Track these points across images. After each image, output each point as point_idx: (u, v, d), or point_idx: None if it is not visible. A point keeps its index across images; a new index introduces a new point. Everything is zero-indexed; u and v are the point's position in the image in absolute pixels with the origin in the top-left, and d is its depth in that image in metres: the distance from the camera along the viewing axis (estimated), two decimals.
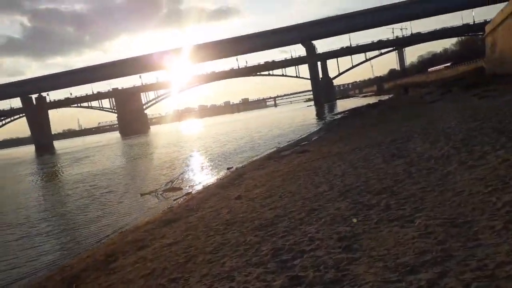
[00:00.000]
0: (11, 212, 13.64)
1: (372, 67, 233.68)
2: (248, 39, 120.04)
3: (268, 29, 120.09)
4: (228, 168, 14.26)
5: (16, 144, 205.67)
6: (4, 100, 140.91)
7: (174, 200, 10.31)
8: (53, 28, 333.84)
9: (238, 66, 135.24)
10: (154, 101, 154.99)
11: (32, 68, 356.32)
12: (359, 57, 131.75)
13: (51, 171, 30.16)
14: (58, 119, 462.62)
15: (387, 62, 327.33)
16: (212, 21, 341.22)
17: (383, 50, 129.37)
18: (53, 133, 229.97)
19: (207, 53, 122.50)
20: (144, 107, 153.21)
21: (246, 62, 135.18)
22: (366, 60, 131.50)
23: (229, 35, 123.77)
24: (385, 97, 60.61)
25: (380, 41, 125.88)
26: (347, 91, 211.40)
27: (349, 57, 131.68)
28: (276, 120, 57.22)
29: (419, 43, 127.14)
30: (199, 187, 11.54)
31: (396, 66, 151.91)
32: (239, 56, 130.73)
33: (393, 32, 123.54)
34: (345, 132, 16.84)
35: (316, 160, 9.24)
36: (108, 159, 31.37)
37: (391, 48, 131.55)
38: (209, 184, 11.52)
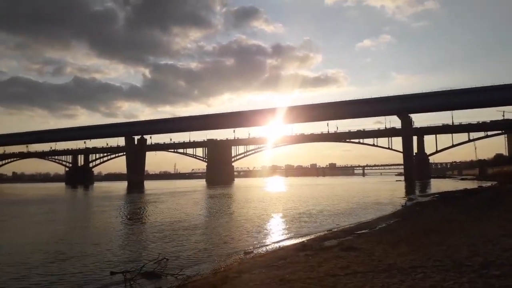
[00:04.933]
0: None
1: (475, 148, 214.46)
2: (343, 105, 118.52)
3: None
4: (245, 253, 11.63)
5: (115, 179, 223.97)
6: (115, 138, 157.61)
7: None
8: (168, 81, 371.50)
9: (328, 131, 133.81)
10: (242, 155, 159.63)
11: (144, 113, 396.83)
12: (461, 136, 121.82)
13: (111, 211, 30.23)
14: (159, 160, 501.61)
15: (493, 146, 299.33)
16: (310, 87, 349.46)
17: (489, 132, 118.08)
18: (150, 173, 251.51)
19: (300, 115, 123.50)
20: (233, 159, 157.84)
21: (337, 127, 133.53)
22: (469, 141, 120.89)
23: (324, 101, 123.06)
24: (487, 183, 53.53)
25: (486, 123, 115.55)
26: (444, 171, 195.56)
27: (449, 135, 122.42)
28: (357, 191, 53.81)
29: None
30: (178, 281, 8.87)
31: (504, 151, 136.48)
32: (330, 122, 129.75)
33: (503, 115, 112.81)
34: (421, 226, 13.69)
35: (352, 275, 6.82)
36: (172, 209, 30.74)
37: (500, 131, 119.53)
38: (193, 278, 8.78)
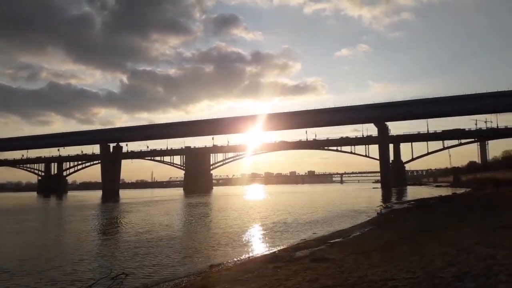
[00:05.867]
0: None
1: (450, 156, 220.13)
2: (321, 113, 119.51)
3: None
4: (211, 266, 10.96)
5: (91, 188, 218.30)
6: (90, 146, 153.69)
7: None
8: (147, 87, 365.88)
9: (307, 139, 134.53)
10: (221, 163, 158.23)
11: (122, 119, 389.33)
12: (436, 144, 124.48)
13: (78, 221, 29.19)
14: (136, 168, 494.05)
15: (467, 153, 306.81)
16: (289, 95, 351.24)
17: (463, 140, 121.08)
18: (127, 181, 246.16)
19: (279, 123, 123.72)
20: (211, 167, 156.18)
21: (315, 135, 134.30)
22: (444, 148, 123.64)
23: (303, 109, 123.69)
24: (461, 190, 54.44)
25: (460, 131, 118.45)
26: (419, 178, 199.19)
27: (425, 142, 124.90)
28: (335, 199, 53.95)
29: (506, 137, 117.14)
30: None
31: (477, 159, 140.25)
32: (309, 129, 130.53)
33: (476, 124, 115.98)
34: (395, 234, 13.38)
35: None
36: (142, 219, 29.54)
37: (473, 139, 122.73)
38: None
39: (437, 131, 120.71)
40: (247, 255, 12.51)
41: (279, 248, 13.16)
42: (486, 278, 5.84)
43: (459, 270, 6.54)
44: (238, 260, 11.53)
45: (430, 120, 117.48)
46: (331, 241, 13.33)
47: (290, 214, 28.81)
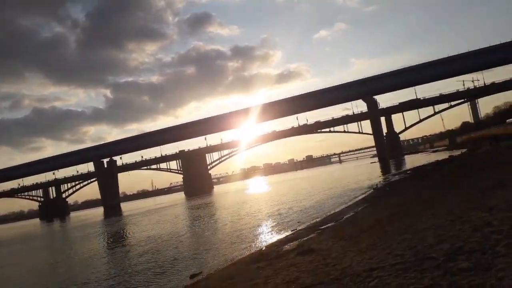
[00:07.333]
0: None
1: (442, 120, 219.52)
2: (308, 97, 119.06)
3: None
4: (191, 276, 10.01)
5: (93, 205, 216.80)
6: (84, 164, 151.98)
7: None
8: (132, 98, 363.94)
9: (298, 124, 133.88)
10: (218, 161, 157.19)
11: (112, 134, 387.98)
12: (427, 111, 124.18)
13: (72, 243, 28.54)
14: (135, 179, 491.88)
15: (459, 115, 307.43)
16: (275, 84, 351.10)
17: (453, 103, 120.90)
18: (128, 194, 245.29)
19: (269, 113, 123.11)
20: (209, 167, 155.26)
21: (307, 120, 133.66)
22: (435, 114, 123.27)
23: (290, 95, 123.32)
24: (458, 152, 54.08)
25: (448, 94, 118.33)
26: (416, 146, 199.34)
27: (415, 111, 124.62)
28: (331, 180, 53.53)
29: (494, 93, 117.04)
30: None
31: (470, 119, 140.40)
32: (300, 116, 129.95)
33: (463, 84, 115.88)
34: (388, 210, 12.59)
35: None
36: (133, 233, 28.86)
37: (462, 100, 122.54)
38: None
39: (426, 97, 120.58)
40: (232, 257, 11.70)
41: (267, 243, 12.41)
42: (482, 252, 5.13)
43: (452, 245, 5.82)
44: (220, 265, 10.73)
45: (417, 88, 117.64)
46: (322, 227, 12.58)
47: (285, 204, 28.00)
